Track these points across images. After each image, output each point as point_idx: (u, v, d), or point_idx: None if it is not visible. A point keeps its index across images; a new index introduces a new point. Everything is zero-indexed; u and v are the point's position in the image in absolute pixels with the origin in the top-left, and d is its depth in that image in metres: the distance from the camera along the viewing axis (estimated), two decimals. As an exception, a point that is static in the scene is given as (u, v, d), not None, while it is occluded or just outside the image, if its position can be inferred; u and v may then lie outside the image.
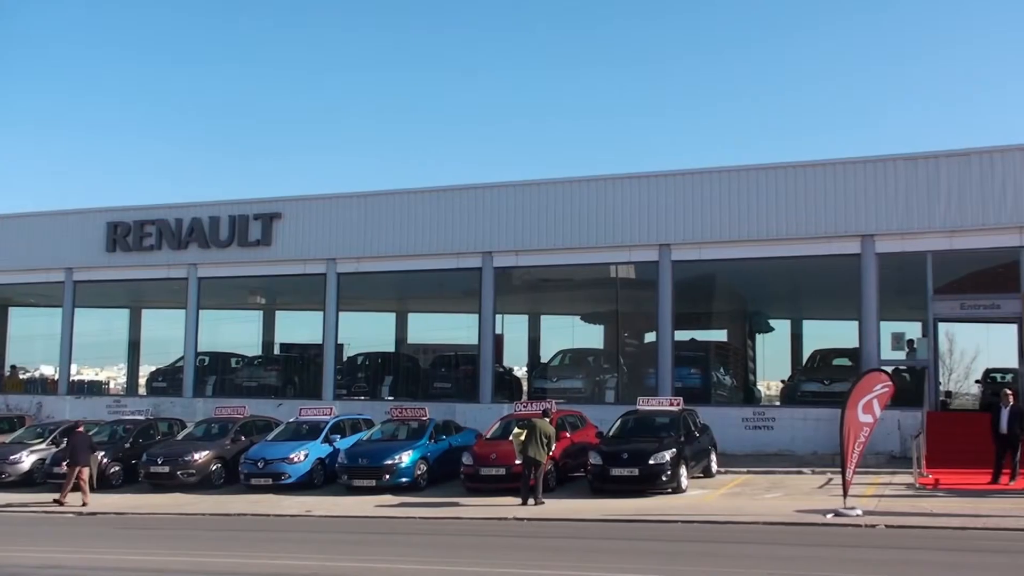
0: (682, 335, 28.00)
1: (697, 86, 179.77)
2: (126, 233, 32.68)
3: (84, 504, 21.35)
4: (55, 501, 21.53)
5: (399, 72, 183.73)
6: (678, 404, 22.56)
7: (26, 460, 25.11)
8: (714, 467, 22.58)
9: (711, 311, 32.36)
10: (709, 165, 26.93)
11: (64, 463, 22.40)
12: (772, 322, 35.18)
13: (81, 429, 22.87)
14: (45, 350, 36.67)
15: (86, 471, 21.97)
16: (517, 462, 19.71)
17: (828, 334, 42.41)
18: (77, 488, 21.89)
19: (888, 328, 25.77)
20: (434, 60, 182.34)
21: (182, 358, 32.59)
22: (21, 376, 37.98)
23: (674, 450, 19.92)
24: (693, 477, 20.83)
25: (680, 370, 26.89)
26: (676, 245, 26.36)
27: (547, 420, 19.98)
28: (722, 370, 29.91)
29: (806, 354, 31.75)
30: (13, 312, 40.61)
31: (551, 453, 19.71)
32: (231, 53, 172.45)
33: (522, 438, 19.37)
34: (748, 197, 25.59)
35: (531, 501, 18.96)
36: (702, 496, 19.46)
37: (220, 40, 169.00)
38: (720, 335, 33.39)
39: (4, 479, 24.75)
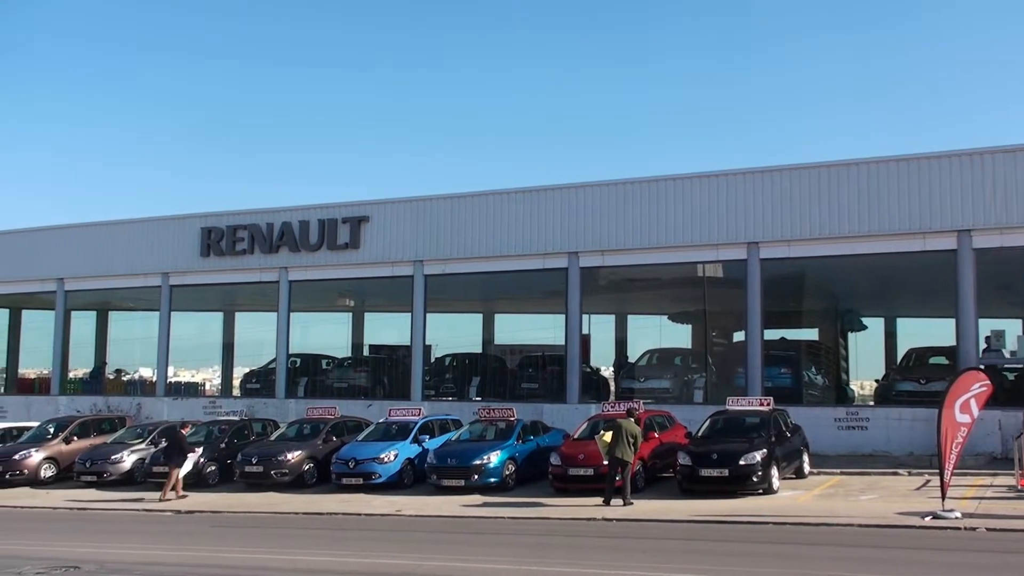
0: (772, 334, 27.59)
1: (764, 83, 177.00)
2: (219, 238, 33.42)
3: (160, 500, 22.12)
4: (161, 499, 22.30)
5: (480, 74, 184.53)
6: (768, 404, 22.21)
7: (127, 460, 25.86)
8: (806, 468, 22.18)
9: (801, 309, 31.83)
10: (797, 162, 26.50)
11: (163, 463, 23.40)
12: (865, 320, 34.46)
13: (186, 430, 23.73)
14: (143, 353, 37.74)
15: (176, 470, 22.72)
16: (604, 463, 19.63)
17: (924, 332, 41.52)
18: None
19: (987, 325, 25.06)
20: (517, 61, 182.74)
21: (274, 360, 33.20)
22: (123, 378, 39.17)
23: (765, 451, 19.63)
24: (785, 478, 20.50)
25: (770, 369, 26.50)
26: (765, 243, 25.95)
27: (632, 420, 19.88)
28: (813, 369, 29.39)
29: (901, 352, 31.04)
30: (113, 316, 41.90)
31: (638, 453, 19.60)
32: (318, 58, 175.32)
33: (607, 439, 19.30)
34: (839, 193, 25.07)
35: (615, 501, 18.86)
36: (794, 497, 19.15)
37: (304, 46, 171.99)
38: (811, 334, 32.83)
39: (106, 478, 25.52)
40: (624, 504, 18.74)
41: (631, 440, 19.22)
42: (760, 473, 19.31)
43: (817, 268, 27.50)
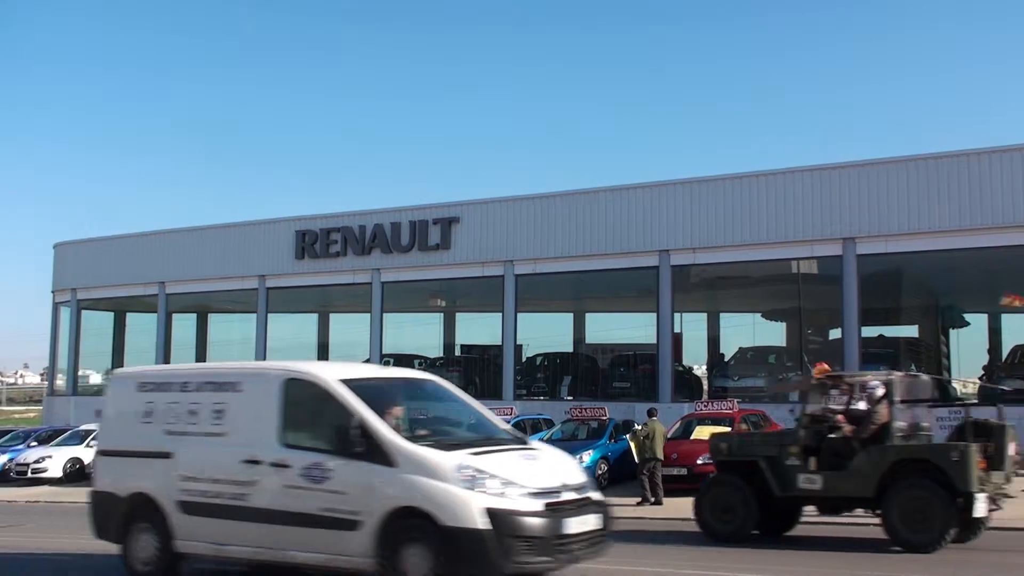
0: (869, 331, 27.01)
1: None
2: (313, 241, 33.96)
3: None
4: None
5: (558, 73, 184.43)
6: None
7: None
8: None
9: (900, 306, 31.09)
10: (892, 155, 25.88)
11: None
12: (967, 316, 33.49)
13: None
14: (242, 354, 38.50)
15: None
16: (638, 462, 19.91)
17: (1030, 328, 40.10)
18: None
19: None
20: (602, 60, 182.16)
21: (368, 360, 33.57)
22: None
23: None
24: (885, 478, 20.00)
25: (868, 367, 25.92)
26: (861, 238, 25.39)
27: (656, 419, 20.12)
28: (913, 367, 28.66)
29: (1005, 349, 30.09)
30: (212, 318, 42.91)
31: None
32: (399, 59, 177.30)
33: (636, 442, 19.69)
34: (938, 186, 24.40)
35: (651, 500, 19.13)
36: (894, 498, 18.66)
37: (375, 52, 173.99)
38: (910, 331, 32.05)
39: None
40: (654, 503, 18.93)
41: (661, 440, 19.57)
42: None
43: (916, 263, 26.80)
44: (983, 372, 28.94)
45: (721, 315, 37.09)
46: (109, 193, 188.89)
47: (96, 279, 39.53)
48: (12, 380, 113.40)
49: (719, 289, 32.26)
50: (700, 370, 34.24)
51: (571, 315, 38.82)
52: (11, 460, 29.18)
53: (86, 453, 28.94)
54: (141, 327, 40.99)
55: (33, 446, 30.24)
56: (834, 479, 13.71)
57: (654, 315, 28.47)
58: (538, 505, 9.19)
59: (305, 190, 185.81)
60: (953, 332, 32.56)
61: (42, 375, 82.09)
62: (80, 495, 25.03)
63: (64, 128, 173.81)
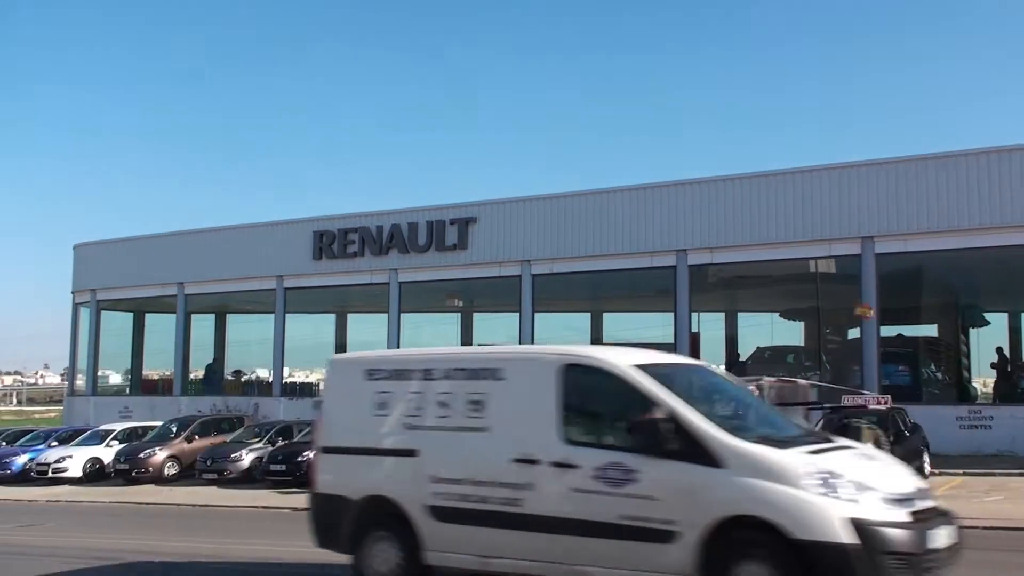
0: (888, 331, 26.87)
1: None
2: (331, 241, 34.03)
3: None
4: None
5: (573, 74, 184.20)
6: (886, 402, 21.62)
7: (245, 458, 26.54)
8: (927, 468, 21.48)
9: (919, 305, 30.92)
10: (911, 153, 25.74)
11: None
12: (987, 315, 33.28)
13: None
14: (260, 354, 38.65)
15: None
16: None
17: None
18: None
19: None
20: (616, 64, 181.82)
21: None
22: (241, 380, 40.20)
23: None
24: (904, 479, 19.90)
25: (887, 367, 25.82)
26: (880, 237, 25.26)
27: None
28: (933, 367, 28.53)
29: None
30: (231, 318, 43.06)
31: None
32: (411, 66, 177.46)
33: None
34: (957, 185, 24.25)
35: None
36: (914, 499, 18.55)
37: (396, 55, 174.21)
38: (930, 330, 31.87)
39: (226, 476, 26.25)
40: None
41: None
42: (878, 473, 18.82)
43: (935, 262, 26.65)
44: (994, 370, 28.82)
45: (739, 315, 37.00)
46: (127, 195, 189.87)
47: (115, 280, 39.74)
48: (33, 380, 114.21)
49: (737, 288, 32.17)
50: (718, 370, 34.11)
51: (588, 315, 38.77)
52: (32, 460, 29.34)
53: (106, 453, 29.16)
54: (160, 327, 41.17)
55: (53, 446, 30.40)
56: None
57: (671, 315, 28.43)
58: (903, 515, 7.78)
59: (323, 191, 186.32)
60: (973, 331, 32.37)
61: (62, 375, 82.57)
62: (99, 495, 25.35)
63: (80, 132, 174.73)
